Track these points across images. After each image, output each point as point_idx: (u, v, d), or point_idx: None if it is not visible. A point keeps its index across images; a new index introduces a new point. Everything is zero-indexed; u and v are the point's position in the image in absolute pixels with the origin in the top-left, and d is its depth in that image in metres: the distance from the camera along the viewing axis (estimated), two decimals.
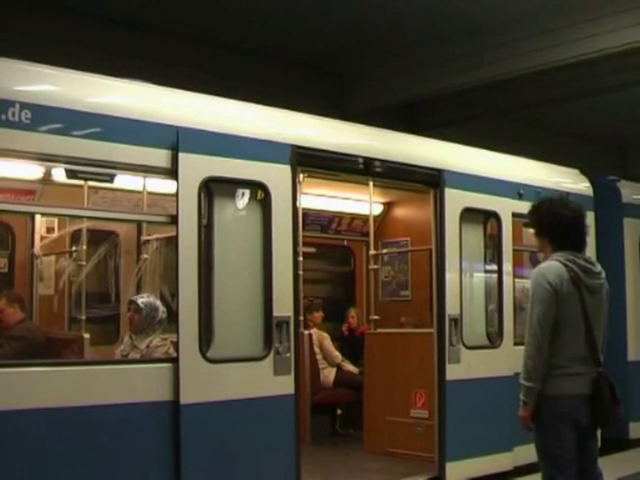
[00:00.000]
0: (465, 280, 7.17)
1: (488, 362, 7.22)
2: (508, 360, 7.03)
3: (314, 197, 8.47)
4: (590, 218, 7.88)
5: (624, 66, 11.39)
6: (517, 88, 12.36)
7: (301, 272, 6.47)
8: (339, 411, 8.81)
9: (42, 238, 7.32)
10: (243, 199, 5.79)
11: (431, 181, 7.03)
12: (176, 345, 5.37)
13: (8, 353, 6.13)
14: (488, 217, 7.52)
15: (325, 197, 8.77)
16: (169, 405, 5.16)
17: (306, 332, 8.34)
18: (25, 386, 4.73)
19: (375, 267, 8.42)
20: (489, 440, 7.08)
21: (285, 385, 5.74)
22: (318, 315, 8.83)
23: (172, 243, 5.55)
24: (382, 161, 6.73)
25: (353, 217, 9.48)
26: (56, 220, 7.29)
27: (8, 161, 5.23)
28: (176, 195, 5.35)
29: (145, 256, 6.91)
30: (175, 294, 5.43)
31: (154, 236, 6.87)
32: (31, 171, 6.07)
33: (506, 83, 11.81)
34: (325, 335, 8.72)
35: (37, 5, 9.76)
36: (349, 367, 8.77)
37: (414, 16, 10.77)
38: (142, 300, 6.19)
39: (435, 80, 11.95)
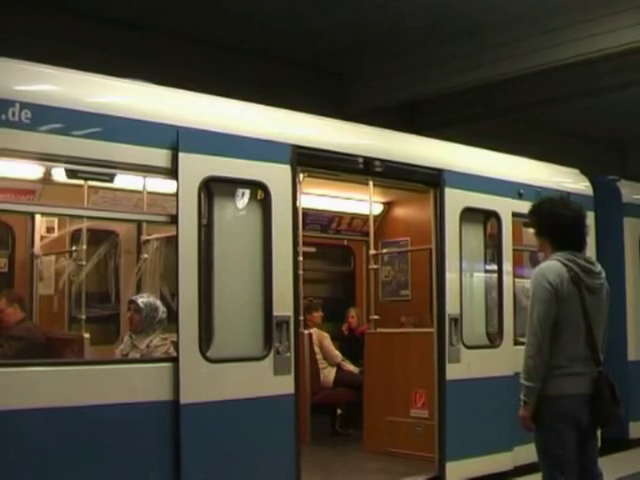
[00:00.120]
0: (465, 280, 7.17)
1: (488, 362, 7.22)
2: (508, 360, 7.04)
3: (314, 197, 8.46)
4: (590, 218, 7.87)
5: (624, 66, 11.39)
6: (517, 88, 12.37)
7: (301, 272, 6.47)
8: (339, 411, 8.81)
9: (42, 238, 7.32)
10: (243, 199, 5.79)
11: (431, 181, 7.03)
12: (176, 345, 5.37)
13: (8, 353, 6.14)
14: (488, 217, 7.53)
15: (325, 197, 8.76)
16: (169, 405, 5.16)
17: (306, 332, 8.34)
18: (25, 386, 4.73)
19: (375, 267, 8.42)
20: (489, 440, 7.08)
21: (285, 385, 5.74)
22: (317, 315, 8.83)
23: (172, 243, 5.55)
24: (382, 161, 6.73)
25: (353, 217, 9.48)
26: (56, 220, 7.29)
27: (8, 161, 5.22)
28: (176, 195, 5.35)
29: (145, 256, 6.91)
30: (175, 294, 5.43)
31: (154, 236, 6.87)
32: (31, 171, 6.07)
33: (506, 83, 11.81)
34: (325, 335, 8.72)
35: (37, 5, 9.76)
36: (349, 367, 8.77)
37: (414, 16, 10.77)
38: (142, 300, 6.20)
39: (435, 80, 11.95)
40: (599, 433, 5.20)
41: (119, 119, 5.19)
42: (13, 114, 4.73)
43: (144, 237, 6.97)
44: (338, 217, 9.44)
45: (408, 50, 11.79)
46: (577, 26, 10.34)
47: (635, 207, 9.42)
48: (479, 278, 7.51)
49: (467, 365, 6.94)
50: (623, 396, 4.66)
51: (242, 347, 5.70)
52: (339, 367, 8.71)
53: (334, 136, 6.71)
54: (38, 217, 7.24)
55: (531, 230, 5.00)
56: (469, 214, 7.23)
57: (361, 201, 8.68)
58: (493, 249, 7.56)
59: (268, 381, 5.65)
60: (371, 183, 7.45)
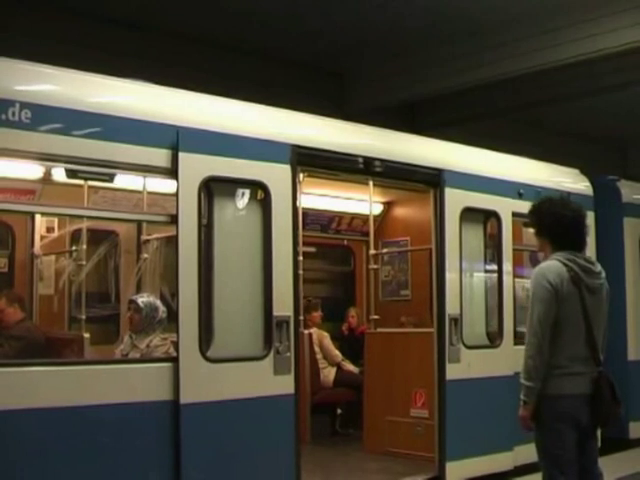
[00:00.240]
0: (465, 280, 7.17)
1: (488, 362, 7.22)
2: (508, 360, 7.03)
3: (314, 197, 8.46)
4: (590, 218, 7.88)
5: (623, 66, 11.39)
6: (517, 88, 12.37)
7: (301, 272, 6.47)
8: (339, 411, 8.81)
9: (42, 238, 7.32)
10: (243, 199, 5.79)
11: (431, 181, 7.03)
12: (176, 345, 5.37)
13: (8, 353, 6.13)
14: (488, 217, 7.53)
15: (325, 197, 8.76)
16: (169, 405, 5.16)
17: (306, 332, 8.34)
18: (25, 386, 4.73)
19: (375, 267, 8.42)
20: (489, 440, 7.08)
21: (285, 385, 5.74)
22: (317, 315, 8.83)
23: (172, 243, 5.55)
24: (382, 161, 6.73)
25: (353, 217, 9.48)
26: (56, 220, 7.29)
27: (8, 161, 5.22)
28: (176, 195, 5.35)
29: (145, 256, 6.91)
30: (175, 294, 5.43)
31: (154, 236, 6.87)
32: (31, 171, 6.06)
33: (506, 83, 11.81)
34: (325, 334, 8.72)
35: (37, 5, 9.76)
36: (349, 367, 8.77)
37: (414, 16, 10.77)
38: (142, 300, 6.20)
39: (435, 80, 11.95)
40: (599, 433, 5.20)
41: (119, 119, 5.19)
42: (13, 114, 4.73)
43: (144, 237, 6.97)
44: (338, 217, 9.44)
45: (408, 50, 11.79)
46: (577, 26, 10.34)
47: (635, 207, 9.42)
48: (479, 278, 7.51)
49: (467, 365, 6.94)
50: (623, 396, 4.66)
51: (242, 347, 5.70)
52: (339, 367, 8.71)
53: (334, 136, 6.71)
54: (38, 217, 7.24)
55: (531, 230, 5.00)
56: (469, 214, 7.23)
57: (361, 201, 8.68)
58: (493, 249, 7.56)
59: (268, 381, 5.65)
60: (371, 183, 7.44)
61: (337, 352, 8.75)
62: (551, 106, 13.77)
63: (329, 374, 8.61)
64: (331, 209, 9.24)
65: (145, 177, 6.01)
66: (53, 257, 7.39)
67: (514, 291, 7.61)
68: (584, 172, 8.99)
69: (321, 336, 8.66)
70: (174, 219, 5.37)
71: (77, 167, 5.26)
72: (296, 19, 10.84)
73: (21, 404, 4.64)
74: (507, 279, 7.48)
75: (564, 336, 4.53)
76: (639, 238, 9.39)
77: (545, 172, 8.54)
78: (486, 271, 7.56)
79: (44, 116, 4.88)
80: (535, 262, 7.00)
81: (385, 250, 9.32)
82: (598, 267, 4.76)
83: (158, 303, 6.24)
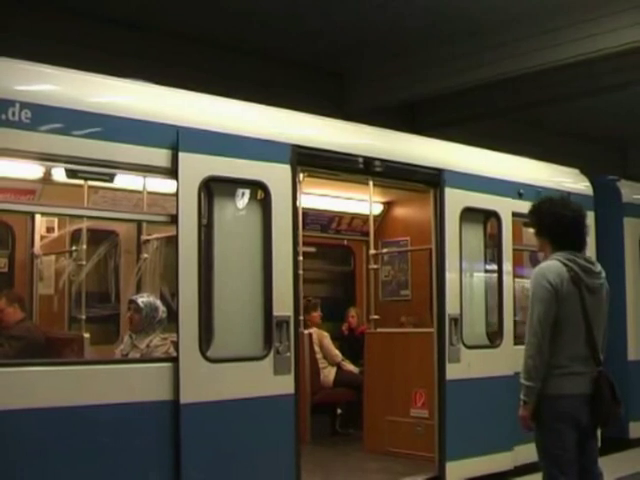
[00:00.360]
0: (465, 280, 7.17)
1: (488, 361, 7.22)
2: (508, 359, 7.03)
3: (314, 197, 8.46)
4: (590, 218, 7.88)
5: (623, 66, 11.39)
6: (517, 88, 12.37)
7: (301, 272, 6.47)
8: (339, 411, 8.81)
9: (42, 238, 7.32)
10: (243, 199, 5.79)
11: (431, 181, 7.03)
12: (176, 345, 5.37)
13: (8, 353, 6.13)
14: (488, 217, 7.53)
15: (325, 197, 8.76)
16: (169, 405, 5.16)
17: (306, 331, 8.34)
18: (25, 386, 4.73)
19: (375, 267, 8.42)
20: (489, 440, 7.08)
21: (285, 385, 5.74)
22: (316, 315, 8.82)
23: (172, 243, 5.55)
24: (382, 161, 6.73)
25: (353, 217, 9.48)
26: (56, 220, 7.29)
27: (8, 161, 5.22)
28: (176, 195, 5.35)
29: (145, 256, 6.91)
30: (175, 294, 5.43)
31: (154, 236, 6.87)
32: (31, 171, 6.06)
33: (506, 83, 11.81)
34: (325, 334, 8.72)
35: (37, 5, 9.76)
36: (349, 367, 8.77)
37: (414, 16, 10.77)
38: (142, 300, 6.20)
39: (435, 80, 11.95)
40: (599, 433, 5.20)
41: (119, 119, 5.19)
42: (13, 114, 4.74)
43: (144, 237, 6.97)
44: (338, 217, 9.44)
45: (408, 50, 11.79)
46: (577, 26, 10.34)
47: (635, 207, 9.42)
48: (479, 278, 7.51)
49: (467, 365, 6.94)
50: (623, 396, 4.65)
51: (242, 347, 5.70)
52: (339, 367, 8.71)
53: (334, 136, 6.71)
54: (38, 217, 7.23)
55: (531, 230, 5.00)
56: (469, 214, 7.23)
57: (361, 201, 8.68)
58: (493, 249, 7.56)
59: (268, 381, 5.65)
60: (371, 183, 7.44)
61: (337, 352, 8.75)
62: (551, 106, 13.77)
63: (329, 374, 8.61)
64: (331, 209, 9.24)
65: (145, 177, 6.01)
66: (53, 257, 7.39)
67: (514, 291, 7.61)
68: (584, 172, 8.99)
69: (321, 336, 8.66)
70: (174, 219, 5.37)
71: (77, 167, 5.27)
72: (296, 19, 10.84)
73: (21, 404, 4.63)
74: (507, 279, 7.48)
75: (564, 336, 4.53)
76: (639, 238, 9.39)
77: (545, 172, 8.54)
78: (486, 271, 7.56)
79: (44, 116, 4.88)
80: (535, 262, 7.00)
81: (385, 250, 9.32)
82: (598, 267, 4.76)
83: (158, 303, 6.24)
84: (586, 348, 4.58)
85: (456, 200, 7.08)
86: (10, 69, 5.02)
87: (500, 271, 7.45)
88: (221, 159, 5.58)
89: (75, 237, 7.08)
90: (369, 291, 8.54)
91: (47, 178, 6.22)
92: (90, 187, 6.34)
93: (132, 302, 6.26)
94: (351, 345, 9.16)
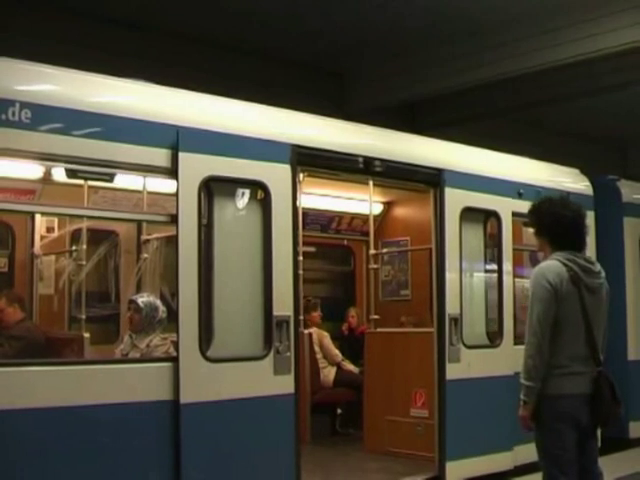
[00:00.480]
0: (465, 279, 7.18)
1: (488, 361, 7.22)
2: (508, 359, 7.03)
3: (314, 197, 8.46)
4: (590, 218, 7.88)
5: (622, 66, 11.40)
6: (517, 88, 12.37)
7: (301, 271, 6.47)
8: (339, 411, 8.81)
9: (42, 238, 7.32)
10: (243, 199, 5.79)
11: (431, 180, 7.03)
12: (176, 344, 5.37)
13: (8, 352, 6.13)
14: (488, 216, 7.53)
15: (325, 197, 8.76)
16: (169, 404, 5.16)
17: (306, 331, 8.34)
18: (25, 386, 4.73)
19: (375, 266, 8.42)
20: (489, 439, 7.08)
21: (285, 384, 5.74)
22: (316, 314, 8.82)
23: (172, 242, 5.55)
24: (382, 160, 6.73)
25: (353, 217, 9.48)
26: (56, 220, 7.29)
27: (8, 161, 5.22)
28: (176, 194, 5.35)
29: (145, 255, 6.91)
30: (175, 293, 5.43)
31: (154, 235, 6.87)
32: (31, 170, 6.07)
33: (506, 83, 11.81)
34: (325, 334, 8.72)
35: (37, 5, 9.76)
36: (349, 366, 8.77)
37: (414, 16, 10.77)
38: (142, 299, 6.20)
39: (435, 80, 11.95)
40: (599, 433, 5.20)
41: (119, 119, 5.19)
42: (13, 114, 4.74)
43: (144, 237, 6.97)
44: (338, 217, 9.45)
45: (408, 50, 11.79)
46: (577, 26, 10.35)
47: (635, 207, 9.42)
48: (479, 278, 7.51)
49: (467, 365, 6.94)
50: (623, 396, 4.65)
51: (242, 347, 5.70)
52: (339, 367, 8.71)
53: (334, 136, 6.71)
54: (38, 217, 7.23)
55: (531, 230, 5.00)
56: (469, 214, 7.23)
57: (361, 201, 8.68)
58: (493, 249, 7.56)
59: (268, 381, 5.65)
60: (371, 183, 7.44)
61: (337, 352, 8.75)
62: (551, 106, 13.77)
63: (329, 374, 8.61)
64: (331, 209, 9.24)
65: (145, 177, 6.02)
66: (53, 257, 7.38)
67: (514, 291, 7.61)
68: (584, 172, 8.99)
69: (321, 336, 8.66)
70: (174, 219, 5.37)
71: (77, 167, 5.27)
72: (296, 19, 10.84)
73: (21, 404, 4.63)
74: (507, 279, 7.48)
75: (564, 336, 4.53)
76: (639, 238, 9.39)
77: (545, 172, 8.54)
78: (486, 271, 7.56)
79: (44, 116, 4.88)
80: (535, 262, 7.00)
81: (385, 250, 9.33)
82: (598, 267, 4.76)
83: (158, 303, 6.24)
84: (586, 348, 4.58)
85: (456, 200, 7.08)
86: (10, 69, 5.02)
87: (500, 271, 7.45)
88: (221, 159, 5.58)
89: (75, 237, 7.08)
90: (369, 291, 8.54)
91: (47, 178, 6.22)
92: (90, 187, 6.34)
93: (132, 302, 6.26)
94: (351, 345, 9.16)
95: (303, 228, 7.46)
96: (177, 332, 5.31)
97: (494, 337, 7.38)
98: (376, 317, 7.96)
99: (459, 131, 11.62)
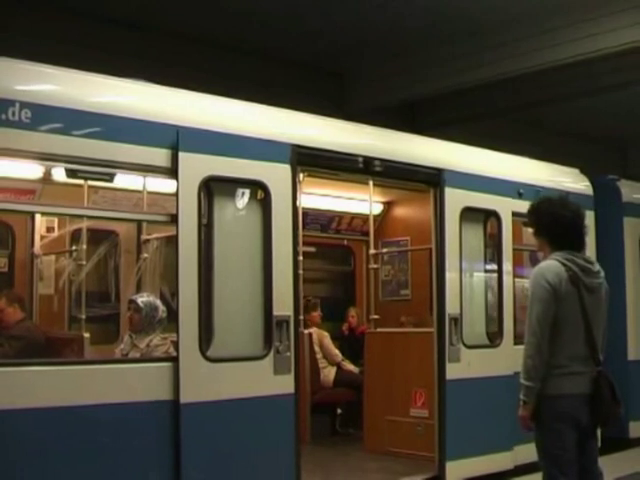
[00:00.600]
0: (465, 279, 7.18)
1: (488, 361, 7.22)
2: (508, 359, 7.03)
3: (314, 197, 8.47)
4: (590, 217, 7.88)
5: (622, 66, 11.40)
6: (517, 88, 12.38)
7: (301, 271, 6.47)
8: (339, 410, 8.81)
9: (42, 237, 7.32)
10: (243, 198, 5.79)
11: (431, 180, 7.03)
12: (176, 344, 5.37)
13: (8, 352, 6.13)
14: (488, 216, 7.53)
15: (325, 197, 8.76)
16: (169, 404, 5.16)
17: (306, 331, 8.34)
18: (25, 385, 4.73)
19: (375, 266, 8.42)
20: (489, 439, 7.08)
21: (285, 384, 5.74)
22: (316, 314, 8.82)
23: (172, 242, 5.55)
24: (382, 160, 6.73)
25: (353, 216, 9.48)
26: (56, 219, 7.29)
27: (8, 161, 5.22)
28: (176, 194, 5.36)
29: (145, 255, 6.91)
30: (175, 293, 5.43)
31: (154, 235, 6.87)
32: (31, 170, 6.07)
33: (506, 83, 11.82)
34: (325, 334, 8.72)
35: (37, 5, 9.76)
36: (349, 366, 8.77)
37: (414, 16, 10.77)
38: (142, 299, 6.20)
39: (435, 80, 11.95)
40: (599, 433, 5.20)
41: (119, 119, 5.19)
42: (13, 114, 4.74)
43: (144, 237, 6.97)
44: (338, 217, 9.45)
45: (408, 50, 11.79)
46: (576, 26, 10.35)
47: (635, 207, 9.42)
48: (479, 278, 7.51)
49: (467, 365, 6.94)
50: (623, 396, 4.65)
51: (242, 346, 5.70)
52: (339, 367, 8.71)
53: (334, 136, 6.71)
54: (38, 217, 7.23)
55: (530, 230, 5.00)
56: (469, 214, 7.23)
57: (361, 201, 8.68)
58: (493, 249, 7.56)
59: (268, 381, 5.65)
60: (371, 183, 7.44)
61: (337, 352, 8.75)
62: (551, 106, 13.77)
63: (329, 374, 8.61)
64: (331, 209, 9.24)
65: (145, 177, 6.02)
66: (53, 257, 7.38)
67: (514, 291, 7.61)
68: (584, 172, 8.99)
69: (321, 336, 8.66)
70: (174, 219, 5.37)
71: (77, 167, 5.27)
72: (296, 19, 10.84)
73: (21, 404, 4.63)
74: (507, 279, 7.48)
75: (563, 336, 4.53)
76: (639, 238, 9.39)
77: (545, 172, 8.54)
78: (486, 271, 7.56)
79: (44, 116, 4.88)
80: (535, 262, 6.99)
81: (385, 250, 9.33)
82: (597, 266, 4.76)
83: (158, 303, 6.24)
84: (585, 348, 4.58)
85: (456, 200, 7.08)
86: (10, 69, 5.02)
87: (500, 271, 7.45)
88: (221, 159, 5.58)
89: (75, 237, 7.08)
90: (369, 291, 8.54)
91: (47, 178, 6.22)
92: (90, 187, 6.34)
93: (132, 302, 6.26)
94: (351, 345, 9.16)
95: (303, 228, 7.47)
96: (177, 332, 5.31)
97: (494, 337, 7.39)
98: (376, 317, 7.96)
99: (459, 131, 11.62)
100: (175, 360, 5.27)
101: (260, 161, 5.76)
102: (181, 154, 5.34)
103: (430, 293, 7.18)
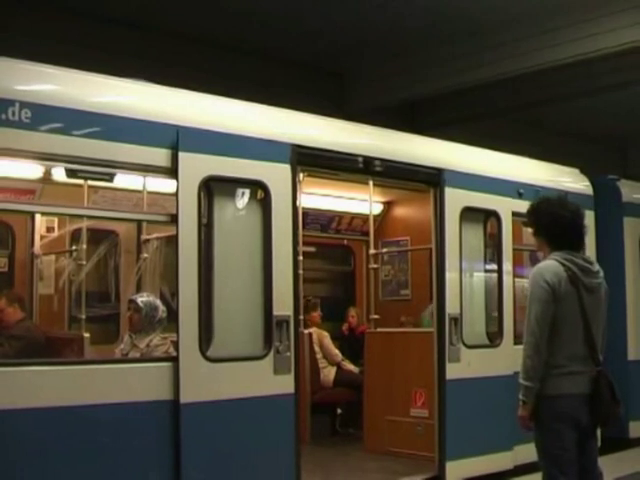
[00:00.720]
0: (465, 279, 7.18)
1: (488, 361, 7.22)
2: (508, 359, 7.03)
3: (315, 197, 8.47)
4: (590, 217, 7.88)
5: (622, 66, 11.41)
6: (517, 88, 12.38)
7: (301, 271, 6.47)
8: (339, 410, 8.81)
9: (42, 237, 7.33)
10: (243, 198, 5.79)
11: (431, 180, 7.03)
12: (176, 344, 5.37)
13: (8, 352, 6.14)
14: (488, 216, 7.53)
15: (325, 197, 8.76)
16: (169, 404, 5.16)
17: (306, 331, 8.34)
18: (25, 385, 4.73)
19: (375, 266, 8.42)
20: (489, 439, 7.08)
21: (285, 384, 5.74)
22: (316, 314, 8.82)
23: (172, 242, 5.55)
24: (382, 160, 6.74)
25: (353, 216, 9.48)
26: (56, 219, 7.30)
27: (8, 160, 5.22)
28: (176, 194, 5.36)
29: (145, 255, 6.91)
30: (175, 293, 5.43)
31: (154, 235, 6.87)
32: (31, 170, 6.07)
33: (506, 83, 11.82)
34: (325, 334, 8.72)
35: (37, 5, 9.76)
36: (349, 366, 8.77)
37: (414, 16, 10.77)
38: (142, 299, 6.20)
39: (435, 80, 11.96)
40: (599, 433, 5.20)
41: (119, 119, 5.19)
42: (13, 114, 4.74)
43: (144, 237, 6.97)
44: (338, 217, 9.45)
45: (408, 50, 11.79)
46: (576, 26, 10.36)
47: (635, 207, 9.42)
48: (479, 278, 7.51)
49: (467, 364, 6.94)
50: (623, 396, 4.65)
51: (242, 346, 5.70)
52: (339, 367, 8.71)
53: (334, 136, 6.71)
54: (38, 217, 7.24)
55: (530, 230, 5.00)
56: (469, 213, 7.23)
57: (361, 201, 8.68)
58: (493, 249, 7.56)
59: (268, 380, 5.65)
60: (371, 183, 7.44)
61: (337, 352, 8.75)
62: (551, 106, 13.78)
63: (329, 374, 8.61)
64: (331, 209, 9.24)
65: (145, 177, 6.02)
66: (53, 257, 7.39)
67: (514, 291, 7.61)
68: (584, 172, 9.00)
69: (321, 336, 8.66)
70: (174, 219, 5.37)
71: (77, 167, 5.26)
72: (296, 19, 10.84)
73: (21, 404, 4.63)
74: (507, 279, 7.48)
75: (562, 335, 4.53)
76: (639, 238, 9.39)
77: (545, 172, 8.54)
78: (486, 271, 7.57)
79: (44, 116, 4.88)
80: (535, 262, 6.98)
81: (385, 250, 9.33)
82: (596, 266, 4.76)
83: (158, 303, 6.24)
84: (585, 347, 4.58)
85: (456, 200, 7.08)
86: (10, 69, 5.02)
87: (500, 271, 7.45)
88: (221, 159, 5.59)
89: (75, 237, 7.08)
90: (369, 291, 8.54)
91: (47, 178, 6.22)
92: (90, 187, 6.34)
93: (132, 302, 6.26)
94: (351, 345, 9.16)
95: (303, 228, 7.47)
96: (177, 332, 5.31)
97: (494, 337, 7.39)
98: (376, 317, 7.96)
99: (459, 131, 11.63)
100: (175, 360, 5.27)
101: (260, 161, 5.76)
102: (181, 154, 5.34)
103: (430, 293, 7.18)
